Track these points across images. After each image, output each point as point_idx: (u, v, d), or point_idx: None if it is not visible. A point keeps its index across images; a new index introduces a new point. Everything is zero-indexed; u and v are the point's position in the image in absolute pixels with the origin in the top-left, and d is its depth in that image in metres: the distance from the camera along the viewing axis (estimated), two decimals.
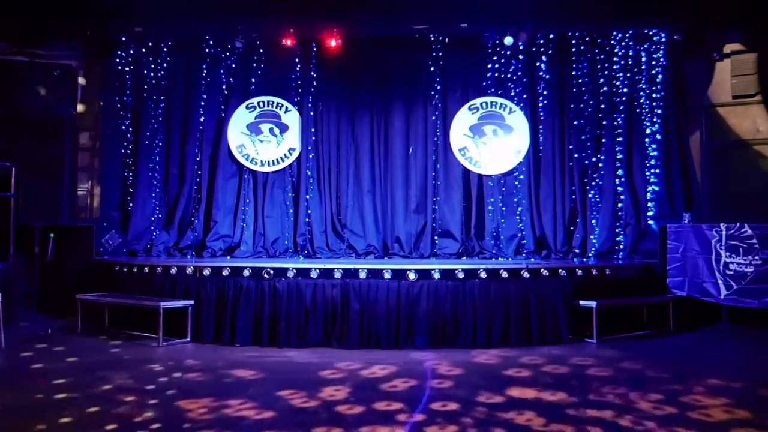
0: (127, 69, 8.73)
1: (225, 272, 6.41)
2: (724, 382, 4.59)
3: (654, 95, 8.37)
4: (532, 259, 7.94)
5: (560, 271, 6.50)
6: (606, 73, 8.47)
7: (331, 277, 6.24)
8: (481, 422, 3.71)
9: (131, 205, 8.69)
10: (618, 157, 8.37)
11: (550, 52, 8.59)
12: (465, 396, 4.26)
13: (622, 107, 8.42)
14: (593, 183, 8.41)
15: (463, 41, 8.66)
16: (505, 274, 6.26)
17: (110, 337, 6.55)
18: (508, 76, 8.65)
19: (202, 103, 8.86)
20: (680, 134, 8.36)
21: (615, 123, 8.42)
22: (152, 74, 8.78)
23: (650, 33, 8.40)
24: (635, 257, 7.93)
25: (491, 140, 8.61)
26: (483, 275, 6.21)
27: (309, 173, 8.81)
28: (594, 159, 8.45)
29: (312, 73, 8.83)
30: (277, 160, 8.81)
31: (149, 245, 8.55)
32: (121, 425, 3.68)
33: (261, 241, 8.62)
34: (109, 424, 3.68)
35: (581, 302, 6.32)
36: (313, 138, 8.85)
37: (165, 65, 8.83)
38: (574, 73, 8.54)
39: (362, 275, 6.23)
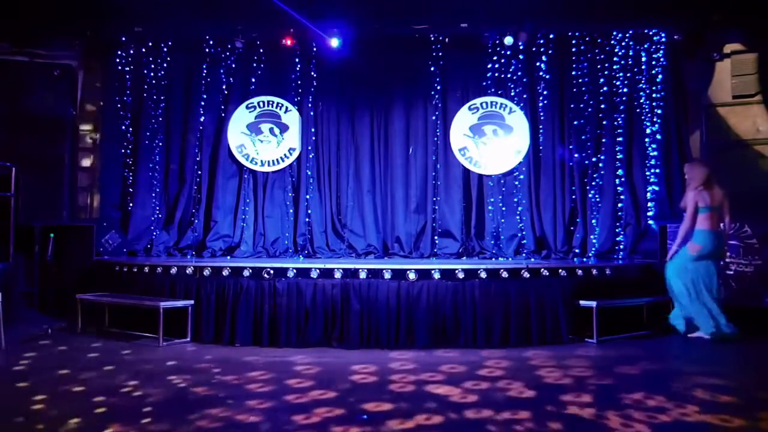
0: (127, 69, 8.73)
1: (225, 272, 6.41)
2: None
3: (654, 95, 8.37)
4: (532, 259, 7.94)
5: (560, 271, 6.50)
6: (606, 73, 8.47)
7: (331, 277, 6.25)
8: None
9: (131, 205, 8.69)
10: (618, 157, 8.37)
11: (550, 52, 8.60)
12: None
13: (622, 107, 8.42)
14: (593, 183, 8.42)
15: (463, 41, 8.66)
16: (505, 274, 6.26)
17: (110, 336, 6.55)
18: (508, 76, 8.65)
19: (202, 103, 8.86)
20: (680, 134, 8.36)
21: (615, 123, 8.43)
22: (152, 74, 8.78)
23: (650, 33, 8.40)
24: (635, 257, 7.94)
25: (491, 140, 8.61)
26: (483, 275, 6.21)
27: (309, 173, 8.82)
28: (594, 159, 8.45)
29: (312, 73, 8.83)
30: (277, 160, 8.81)
31: (149, 245, 8.55)
32: (123, 425, 3.68)
33: (261, 241, 8.62)
34: (111, 423, 3.69)
35: (581, 302, 6.32)
36: (313, 138, 8.86)
37: (165, 65, 8.82)
38: (574, 73, 8.54)
39: (362, 275, 6.23)
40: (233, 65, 8.89)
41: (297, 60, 8.80)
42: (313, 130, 8.87)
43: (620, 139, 8.37)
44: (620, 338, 6.37)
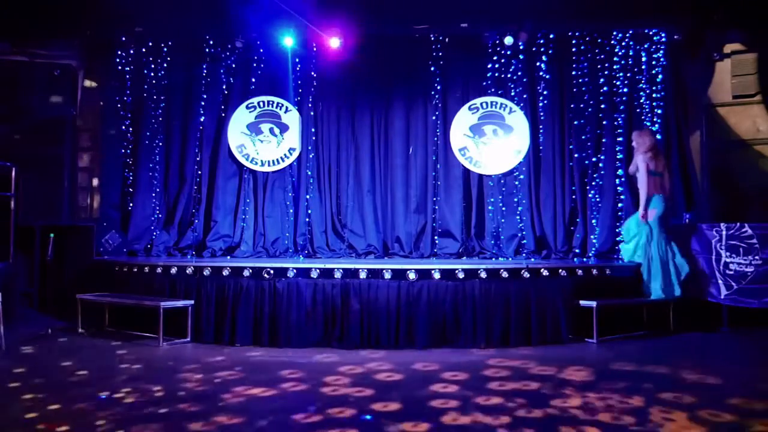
0: (127, 69, 8.71)
1: (225, 272, 6.41)
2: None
3: (654, 95, 8.37)
4: (532, 259, 7.94)
5: (560, 271, 6.49)
6: (606, 73, 8.47)
7: (331, 276, 6.24)
8: None
9: (131, 205, 8.68)
10: (618, 157, 8.36)
11: (550, 52, 8.59)
12: None
13: (622, 107, 8.42)
14: (593, 183, 8.41)
15: (463, 41, 8.67)
16: (505, 274, 6.25)
17: (110, 337, 6.55)
18: (508, 76, 8.65)
19: (202, 103, 8.86)
20: (680, 134, 8.36)
21: (615, 123, 8.42)
22: (152, 74, 8.77)
23: (650, 33, 8.40)
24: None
25: (491, 140, 8.61)
26: (483, 275, 6.21)
27: (309, 173, 8.82)
28: (594, 159, 8.45)
29: (312, 73, 8.84)
30: (277, 160, 8.81)
31: (149, 245, 8.54)
32: (124, 426, 3.68)
33: (261, 241, 8.62)
34: (111, 425, 3.69)
35: (581, 302, 6.32)
36: (314, 138, 8.86)
37: (165, 65, 8.81)
38: (574, 73, 8.54)
39: (362, 275, 6.23)
40: (233, 65, 8.88)
41: (297, 60, 8.80)
42: (313, 130, 8.87)
43: (620, 139, 8.37)
44: (620, 338, 6.38)
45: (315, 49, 8.65)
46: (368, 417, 3.81)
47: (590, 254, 8.22)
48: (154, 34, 8.66)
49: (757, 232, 6.40)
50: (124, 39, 8.61)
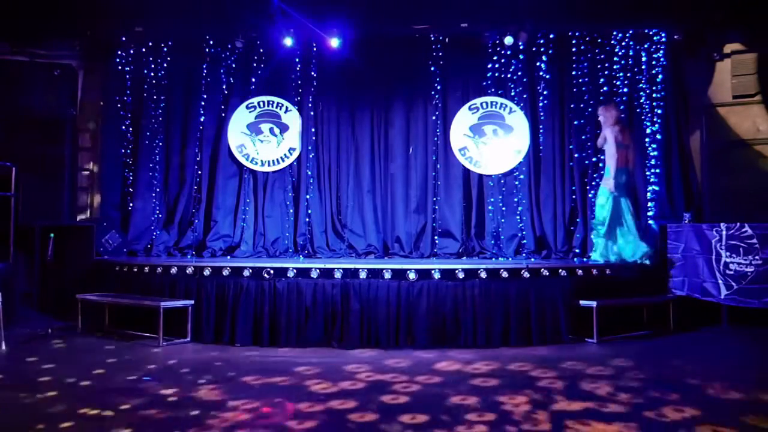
0: (127, 69, 8.72)
1: (225, 272, 6.41)
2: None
3: (654, 95, 8.36)
4: (532, 259, 7.94)
5: (560, 270, 6.49)
6: (606, 73, 8.47)
7: (331, 276, 6.25)
8: None
9: (131, 205, 8.69)
10: None
11: (550, 52, 8.59)
12: None
13: (622, 107, 8.39)
14: (593, 183, 8.41)
15: (463, 41, 8.66)
16: (505, 274, 6.25)
17: (110, 336, 6.55)
18: (508, 76, 8.65)
19: (202, 103, 8.86)
20: (680, 134, 8.36)
21: None
22: (152, 74, 8.77)
23: (650, 33, 8.39)
24: None
25: (491, 140, 8.61)
26: (483, 275, 6.21)
27: (309, 173, 8.82)
28: (594, 159, 8.44)
29: (312, 73, 8.83)
30: (277, 160, 8.81)
31: (149, 245, 8.55)
32: (124, 427, 3.68)
33: (261, 241, 8.62)
34: (111, 426, 3.69)
35: (581, 302, 6.32)
36: (314, 138, 8.85)
37: (165, 65, 8.82)
38: (574, 73, 8.54)
39: (362, 275, 6.23)
40: (233, 65, 8.88)
41: (297, 60, 8.80)
42: (313, 130, 8.86)
43: None
44: (620, 338, 6.37)
45: (315, 49, 8.65)
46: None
47: (590, 254, 8.20)
48: (154, 34, 8.65)
49: (757, 232, 6.40)
50: (124, 39, 8.60)
